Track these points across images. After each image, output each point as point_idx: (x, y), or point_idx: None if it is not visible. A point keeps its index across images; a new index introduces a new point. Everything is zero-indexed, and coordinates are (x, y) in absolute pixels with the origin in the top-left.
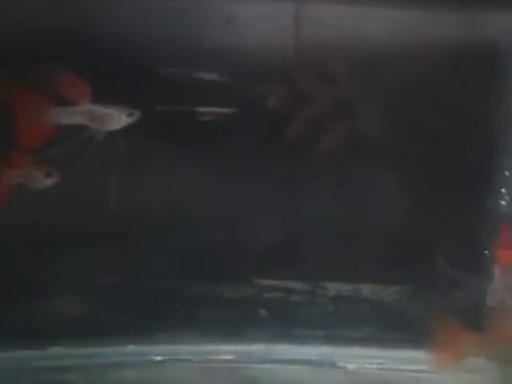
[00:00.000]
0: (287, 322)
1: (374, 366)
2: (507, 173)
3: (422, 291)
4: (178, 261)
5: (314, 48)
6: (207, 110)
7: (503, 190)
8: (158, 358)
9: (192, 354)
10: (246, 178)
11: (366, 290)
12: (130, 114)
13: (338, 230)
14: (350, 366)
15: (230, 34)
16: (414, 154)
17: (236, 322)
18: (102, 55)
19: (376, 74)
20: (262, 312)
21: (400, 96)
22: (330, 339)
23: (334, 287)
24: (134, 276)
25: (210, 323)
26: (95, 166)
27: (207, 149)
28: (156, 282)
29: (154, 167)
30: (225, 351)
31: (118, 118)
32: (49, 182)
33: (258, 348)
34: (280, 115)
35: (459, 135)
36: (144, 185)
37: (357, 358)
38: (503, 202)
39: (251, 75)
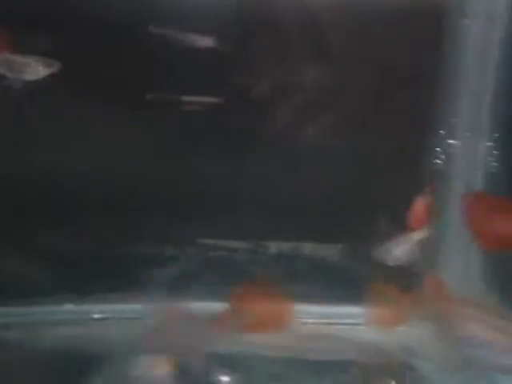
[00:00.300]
0: (230, 280)
1: (312, 321)
2: (442, 132)
3: (363, 249)
4: (119, 222)
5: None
6: None
7: (438, 149)
8: (97, 316)
9: (135, 312)
10: (189, 145)
11: (307, 247)
12: (49, 65)
13: (279, 191)
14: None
15: None
16: (353, 115)
17: (179, 280)
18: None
19: (318, 33)
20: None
21: (341, 55)
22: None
23: (274, 246)
24: (75, 237)
25: (153, 282)
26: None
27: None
28: (96, 242)
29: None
30: None
31: (36, 68)
32: None
33: (200, 305)
34: None
35: (396, 95)
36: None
37: (296, 314)
38: (438, 161)
39: None
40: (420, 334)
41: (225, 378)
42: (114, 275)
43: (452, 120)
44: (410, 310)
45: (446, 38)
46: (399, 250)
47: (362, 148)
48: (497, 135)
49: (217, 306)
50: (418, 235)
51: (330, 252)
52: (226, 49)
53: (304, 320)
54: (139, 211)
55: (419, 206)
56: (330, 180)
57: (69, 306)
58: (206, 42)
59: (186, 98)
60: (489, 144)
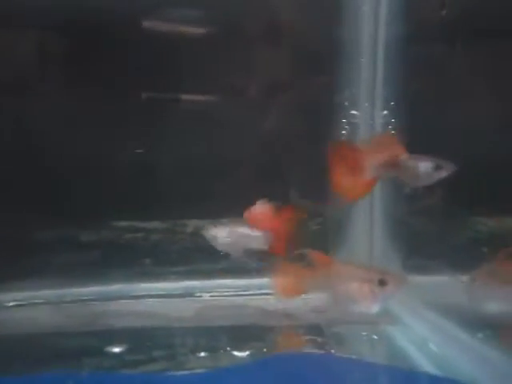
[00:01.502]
0: (148, 261)
1: (227, 294)
2: (347, 103)
3: None
4: (32, 205)
5: None
6: None
7: (344, 120)
8: (12, 304)
9: (48, 297)
10: (100, 124)
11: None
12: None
13: (193, 169)
14: (206, 296)
15: None
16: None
17: (95, 263)
18: None
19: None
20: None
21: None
22: (190, 274)
23: (192, 224)
24: None
25: (67, 267)
26: None
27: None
28: (8, 227)
29: None
30: (83, 293)
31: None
32: None
33: (117, 287)
34: None
35: (300, 71)
36: None
37: (215, 289)
38: (344, 132)
39: None
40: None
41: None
42: (27, 261)
43: (353, 91)
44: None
45: (343, 14)
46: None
47: (274, 124)
48: (392, 104)
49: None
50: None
51: None
52: None
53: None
54: (55, 194)
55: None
56: (245, 156)
57: None
58: None
59: None
60: (385, 112)
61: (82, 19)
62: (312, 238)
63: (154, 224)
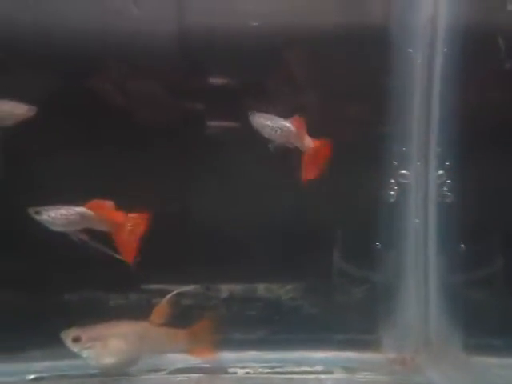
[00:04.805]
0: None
1: (266, 370)
2: (395, 162)
3: (318, 287)
4: (59, 266)
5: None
6: None
7: (392, 181)
8: (32, 377)
9: (71, 368)
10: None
11: (261, 289)
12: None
13: (229, 230)
14: (241, 372)
15: None
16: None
17: None
18: None
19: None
20: None
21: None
22: (222, 344)
23: (226, 288)
24: (11, 289)
25: None
26: None
27: None
28: (34, 293)
29: None
30: None
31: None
32: None
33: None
34: None
35: (346, 125)
36: None
37: (249, 363)
38: (392, 192)
39: None
40: None
41: None
42: (51, 327)
43: (403, 149)
44: None
45: (392, 67)
46: None
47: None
48: (448, 164)
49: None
50: None
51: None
52: None
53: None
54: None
55: None
56: (286, 217)
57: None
58: None
59: None
60: (440, 173)
61: None
62: (357, 307)
63: (186, 288)
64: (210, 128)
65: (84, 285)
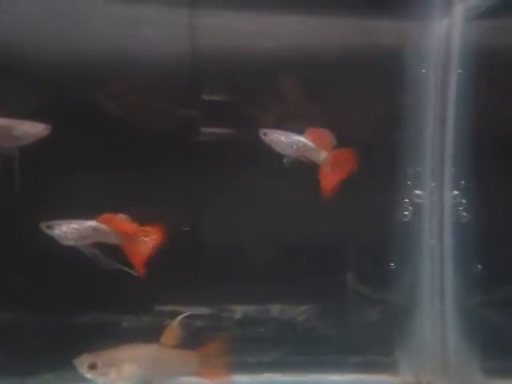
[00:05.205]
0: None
1: None
2: (409, 182)
3: (332, 308)
4: (71, 288)
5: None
6: None
7: (406, 200)
8: None
9: None
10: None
11: (275, 310)
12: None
13: (243, 250)
14: None
15: None
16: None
17: None
18: None
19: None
20: None
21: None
22: (235, 366)
23: (240, 309)
24: (23, 311)
25: None
26: None
27: None
28: (46, 316)
29: None
30: None
31: None
32: None
33: None
34: None
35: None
36: None
37: None
38: (406, 212)
39: None
40: None
41: None
42: (64, 350)
43: (417, 170)
44: None
45: (406, 87)
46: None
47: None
48: (463, 183)
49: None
50: None
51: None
52: None
53: None
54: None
55: None
56: (302, 238)
57: None
58: None
59: None
60: (456, 193)
61: None
62: (372, 328)
63: (199, 309)
64: (222, 145)
65: (97, 306)
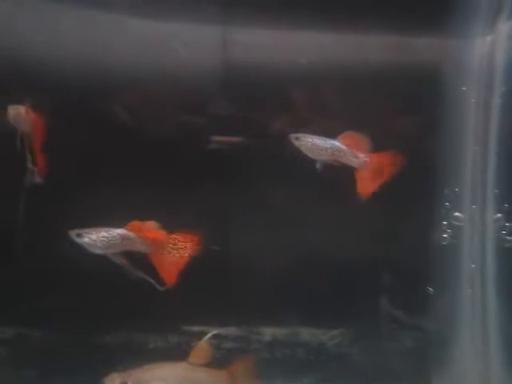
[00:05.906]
0: None
1: None
2: (448, 204)
3: (365, 333)
4: (98, 312)
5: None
6: None
7: (445, 223)
8: None
9: None
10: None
11: (305, 333)
12: None
13: (273, 272)
14: None
15: None
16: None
17: None
18: None
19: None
20: None
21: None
22: None
23: (269, 332)
24: (51, 330)
25: None
26: None
27: None
28: (72, 336)
29: None
30: None
31: None
32: None
33: None
34: None
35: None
36: None
37: None
38: (445, 235)
39: None
40: None
41: None
42: (89, 370)
43: (455, 190)
44: None
45: (445, 105)
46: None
47: (369, 226)
48: (506, 206)
49: None
50: None
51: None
52: None
53: None
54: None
55: None
56: (333, 261)
57: None
58: None
59: None
60: (499, 216)
61: None
62: (407, 356)
63: (228, 330)
64: (251, 163)
65: (124, 326)
